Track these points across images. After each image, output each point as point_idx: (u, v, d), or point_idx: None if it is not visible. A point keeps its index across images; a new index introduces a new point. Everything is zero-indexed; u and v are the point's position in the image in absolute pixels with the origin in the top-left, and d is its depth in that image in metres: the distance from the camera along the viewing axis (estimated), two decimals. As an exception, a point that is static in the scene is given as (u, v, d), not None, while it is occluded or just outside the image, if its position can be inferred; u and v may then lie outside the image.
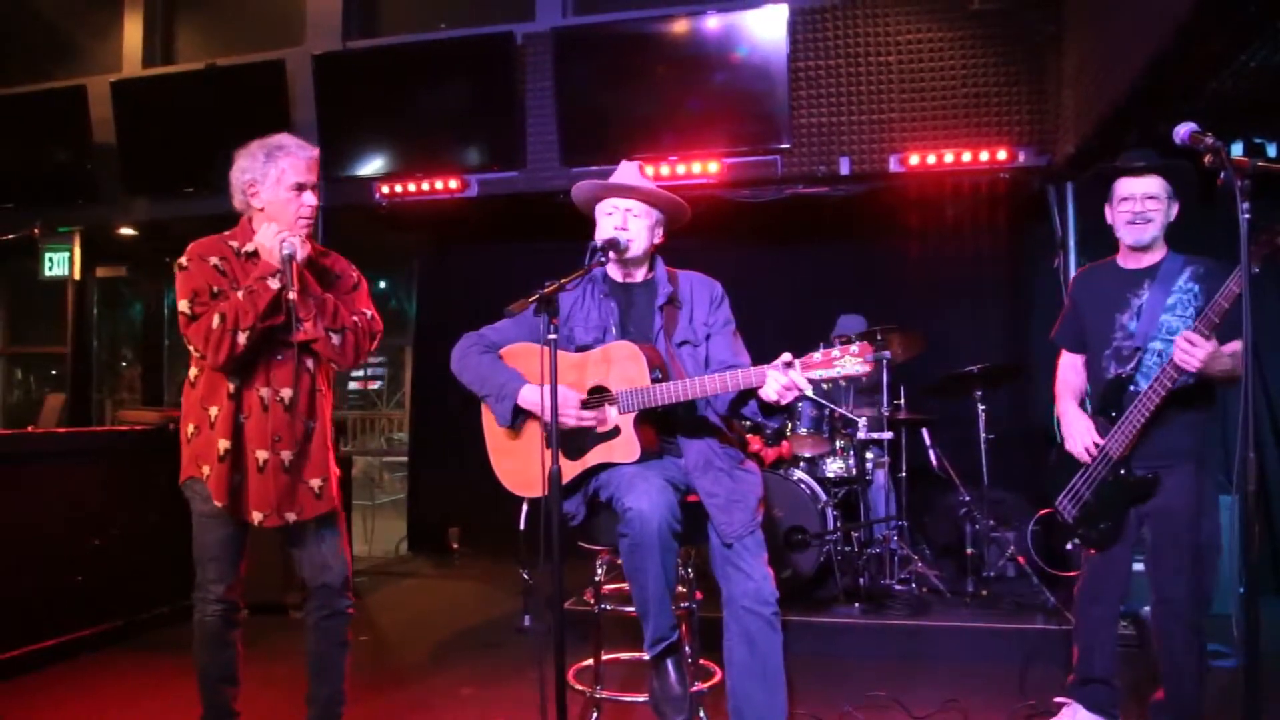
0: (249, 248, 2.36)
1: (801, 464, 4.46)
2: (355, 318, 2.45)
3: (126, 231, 5.71)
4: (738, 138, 4.43)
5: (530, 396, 2.42)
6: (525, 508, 2.44)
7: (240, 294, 2.28)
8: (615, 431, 2.37)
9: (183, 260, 2.33)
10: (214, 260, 2.33)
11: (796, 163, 4.43)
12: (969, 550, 4.18)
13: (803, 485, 4.14)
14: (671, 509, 2.21)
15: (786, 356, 2.13)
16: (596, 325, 2.48)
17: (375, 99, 4.89)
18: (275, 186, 2.34)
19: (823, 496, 4.19)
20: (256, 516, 2.36)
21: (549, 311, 2.10)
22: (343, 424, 8.65)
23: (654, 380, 2.31)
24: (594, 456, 2.40)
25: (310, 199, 2.37)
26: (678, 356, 2.45)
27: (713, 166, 4.50)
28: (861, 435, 4.22)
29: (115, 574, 3.85)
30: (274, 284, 2.28)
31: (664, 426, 2.46)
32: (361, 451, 8.63)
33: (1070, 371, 2.82)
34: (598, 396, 2.42)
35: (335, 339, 2.39)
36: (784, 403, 2.15)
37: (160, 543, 3.93)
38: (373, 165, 4.94)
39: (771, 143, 4.40)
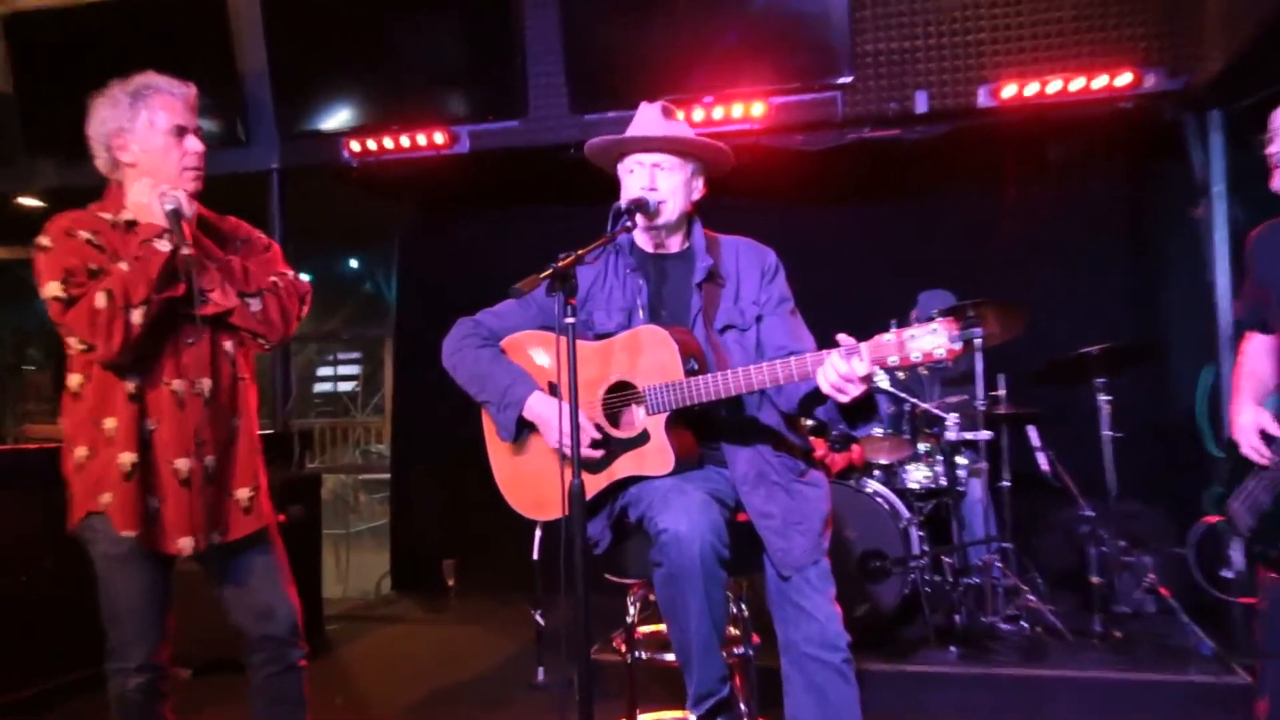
0: (125, 215, 2.35)
1: (877, 473, 4.43)
2: (273, 278, 2.46)
3: (29, 202, 5.70)
4: (787, 72, 4.40)
5: (539, 408, 2.44)
6: (539, 533, 2.44)
7: (124, 264, 2.26)
8: (644, 437, 2.37)
9: (43, 239, 2.30)
10: (84, 234, 2.31)
11: (861, 100, 4.40)
12: (1094, 579, 4.14)
13: (879, 499, 4.11)
14: (717, 530, 2.20)
15: (846, 338, 2.10)
16: (621, 307, 2.49)
17: (341, 36, 4.91)
18: (149, 133, 2.35)
19: (904, 513, 4.16)
20: (183, 544, 2.33)
21: (565, 290, 2.10)
22: (309, 434, 8.71)
23: (689, 372, 2.31)
24: (621, 468, 2.40)
25: (195, 144, 2.39)
26: (721, 345, 2.44)
27: (756, 109, 4.46)
28: (951, 436, 4.20)
29: (17, 631, 3.80)
30: (164, 245, 2.27)
31: (704, 430, 2.44)
32: (332, 468, 8.70)
33: (1260, 358, 2.67)
34: (621, 395, 2.42)
35: (254, 304, 2.40)
36: (852, 399, 2.11)
37: (77, 590, 3.92)
38: (339, 118, 4.96)
39: (829, 76, 4.37)
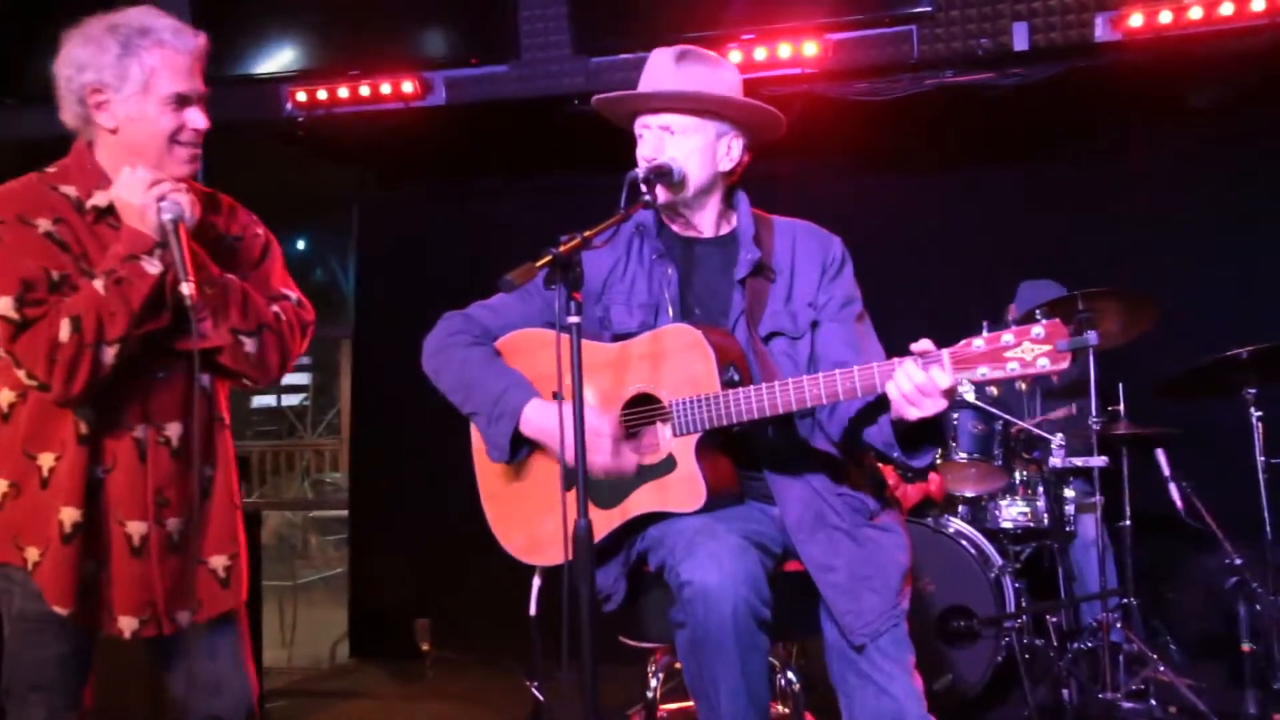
0: (99, 200, 2.30)
1: (961, 508, 4.40)
2: (275, 307, 2.44)
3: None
4: (848, 1, 4.41)
5: (539, 419, 2.44)
6: (536, 582, 2.47)
7: (99, 284, 2.20)
8: (669, 464, 2.38)
9: None
10: (44, 224, 2.25)
11: (943, 36, 4.39)
12: (1246, 646, 4.09)
13: (964, 543, 4.07)
14: (755, 583, 2.21)
15: (925, 344, 2.12)
16: (645, 302, 2.50)
17: (282, -45, 4.96)
18: (141, 98, 2.27)
19: (997, 560, 4.14)
20: (126, 626, 2.32)
21: (567, 281, 2.11)
22: (244, 461, 8.79)
23: (726, 384, 2.33)
24: (638, 503, 2.41)
25: (198, 119, 2.33)
26: (767, 355, 2.45)
27: (809, 48, 4.46)
28: (1056, 462, 4.16)
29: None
30: (152, 267, 2.22)
31: (746, 457, 2.45)
32: (275, 503, 8.74)
33: None
34: (641, 411, 2.44)
35: (249, 344, 2.36)
36: (925, 416, 2.12)
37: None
38: (279, 59, 4.97)
39: (902, 5, 4.37)
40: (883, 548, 2.40)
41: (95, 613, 2.32)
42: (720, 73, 2.51)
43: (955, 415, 4.37)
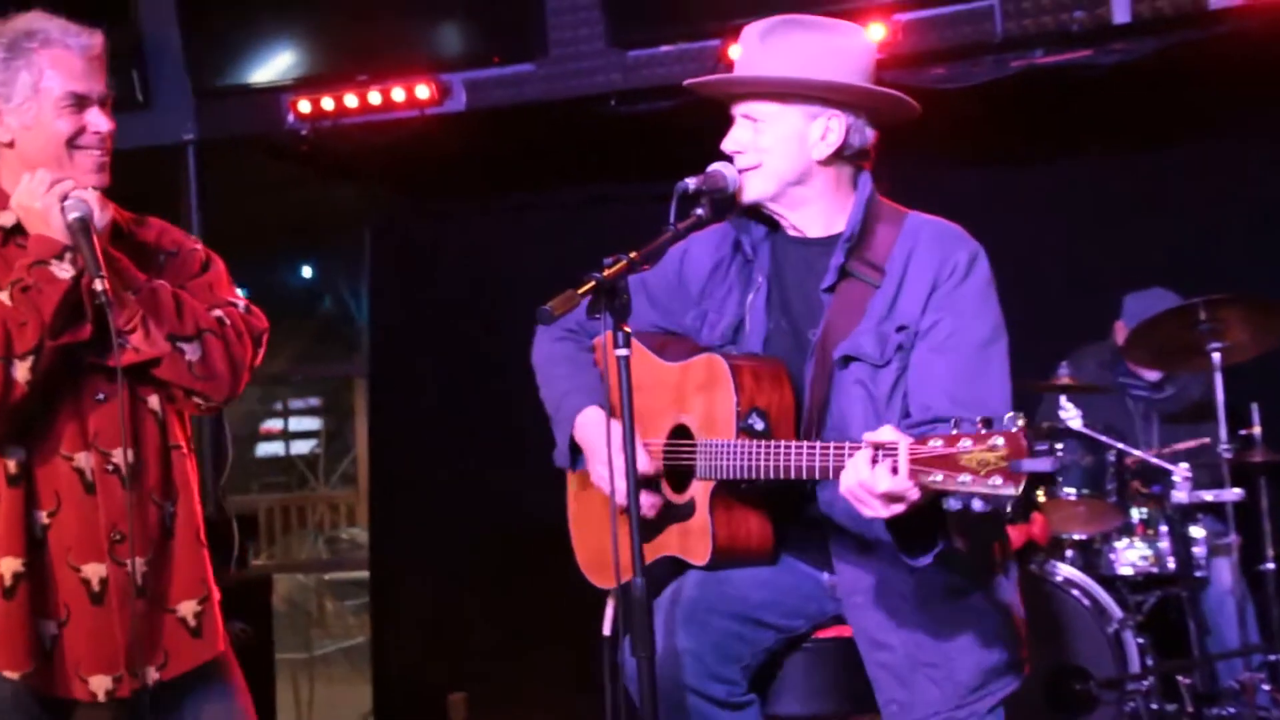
0: (4, 219, 2.36)
1: (1070, 553, 4.34)
2: (218, 311, 2.46)
3: None
4: (921, -25, 4.41)
5: (588, 431, 2.53)
6: (610, 611, 2.56)
7: (5, 295, 2.26)
8: (690, 508, 2.43)
9: None
10: None
11: (1030, 10, 4.36)
12: None
13: (1075, 592, 4.03)
14: (701, 657, 2.27)
15: (885, 432, 1.99)
16: (733, 312, 2.51)
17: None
18: (33, 103, 2.33)
19: (1116, 612, 4.08)
20: (99, 687, 2.32)
21: (614, 310, 2.11)
22: (252, 519, 8.82)
23: (743, 430, 2.32)
24: (665, 543, 2.48)
25: (100, 120, 2.38)
26: (839, 385, 2.36)
27: (875, 32, 4.41)
28: (1182, 497, 4.12)
29: None
30: (64, 270, 2.27)
31: (789, 510, 2.40)
32: (286, 565, 8.80)
33: None
34: (684, 444, 2.47)
35: (190, 351, 2.37)
36: (870, 514, 2.03)
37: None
38: (278, 65, 5.02)
39: (983, -21, 4.36)
40: (961, 632, 2.31)
41: (55, 677, 2.32)
42: (817, 41, 2.41)
43: (1060, 446, 4.28)
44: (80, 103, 2.35)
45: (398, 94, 4.90)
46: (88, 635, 2.33)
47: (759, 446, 2.26)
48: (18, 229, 2.34)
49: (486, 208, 5.99)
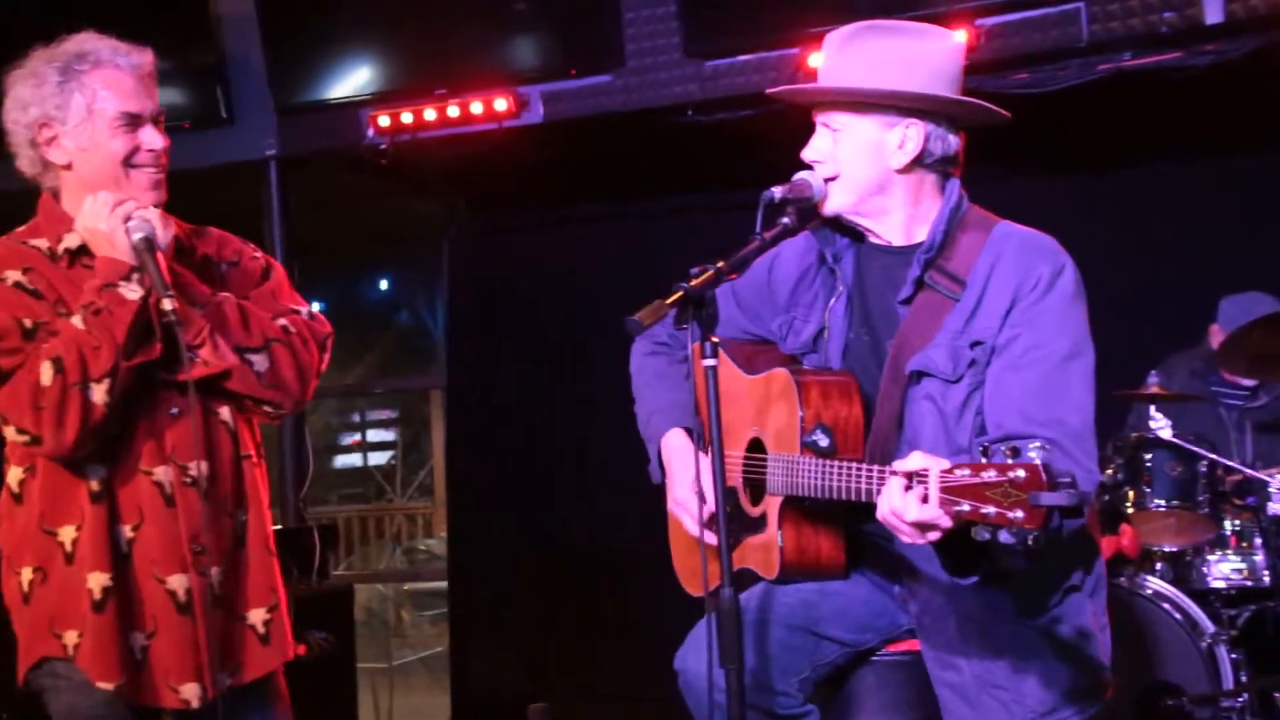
0: (70, 241, 2.39)
1: (1160, 566, 4.29)
2: (282, 320, 2.50)
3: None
4: (1002, -22, 4.36)
5: (670, 454, 2.54)
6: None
7: (78, 319, 2.29)
8: (762, 522, 2.44)
9: None
10: (13, 275, 2.36)
11: (1117, 12, 4.31)
12: None
13: (1166, 606, 3.97)
14: (759, 667, 2.27)
15: (916, 460, 1.97)
16: (816, 320, 2.50)
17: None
18: (88, 125, 2.37)
19: (1208, 626, 4.02)
20: (191, 695, 2.36)
21: (701, 320, 2.11)
22: (331, 529, 8.92)
23: (806, 446, 2.31)
24: (743, 556, 2.50)
25: (154, 138, 2.41)
26: (911, 400, 2.33)
27: (956, 36, 4.39)
28: (1277, 508, 4.04)
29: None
30: (132, 292, 2.30)
31: (861, 522, 2.37)
32: (365, 575, 8.87)
33: None
34: (755, 458, 2.50)
35: (258, 362, 2.41)
36: (906, 540, 2.02)
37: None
38: (359, 80, 5.08)
39: (1067, -19, 4.31)
40: (1032, 653, 2.27)
41: (148, 686, 2.36)
42: (897, 47, 2.38)
43: (1149, 456, 4.23)
44: (134, 122, 2.39)
45: (476, 107, 4.93)
46: (175, 645, 2.37)
47: (814, 464, 2.26)
48: (83, 250, 2.38)
49: (563, 219, 6.01)
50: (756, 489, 2.48)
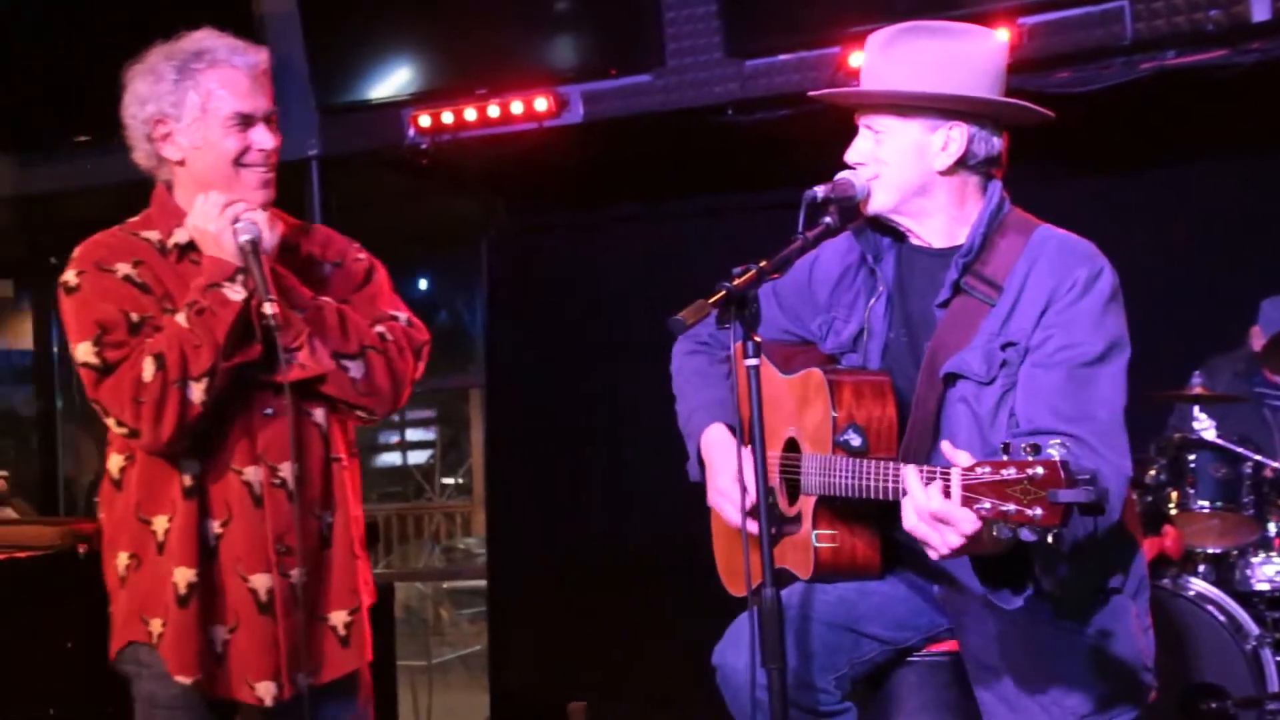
0: (179, 236, 2.44)
1: (1203, 567, 4.27)
2: (380, 327, 2.53)
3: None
4: (1044, -23, 4.34)
5: (711, 450, 2.55)
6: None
7: (182, 317, 2.33)
8: (798, 521, 2.45)
9: (69, 276, 2.39)
10: (124, 269, 2.40)
11: (1162, 10, 4.28)
12: None
13: (1209, 608, 3.96)
14: (801, 663, 2.26)
15: (947, 456, 1.97)
16: (857, 320, 2.51)
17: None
18: (201, 123, 2.40)
19: (1253, 628, 4.00)
20: (266, 693, 2.40)
21: (744, 319, 2.11)
22: (372, 527, 8.97)
23: (838, 446, 2.32)
24: (781, 555, 2.48)
25: (265, 138, 2.44)
26: (947, 402, 2.33)
27: (999, 35, 4.38)
28: None
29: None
30: (235, 293, 2.34)
31: (898, 521, 2.31)
32: (404, 574, 8.87)
33: None
34: (791, 458, 2.51)
35: (354, 369, 2.45)
36: (934, 554, 1.99)
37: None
38: (399, 81, 5.11)
39: (1111, -21, 4.29)
40: (1072, 656, 2.27)
41: (226, 681, 2.41)
42: (939, 49, 2.37)
43: (1192, 457, 4.22)
44: (246, 121, 2.42)
45: (516, 107, 4.95)
46: (254, 643, 2.41)
47: (844, 463, 2.27)
48: (191, 245, 2.42)
49: (603, 219, 6.02)
50: (793, 488, 2.49)
